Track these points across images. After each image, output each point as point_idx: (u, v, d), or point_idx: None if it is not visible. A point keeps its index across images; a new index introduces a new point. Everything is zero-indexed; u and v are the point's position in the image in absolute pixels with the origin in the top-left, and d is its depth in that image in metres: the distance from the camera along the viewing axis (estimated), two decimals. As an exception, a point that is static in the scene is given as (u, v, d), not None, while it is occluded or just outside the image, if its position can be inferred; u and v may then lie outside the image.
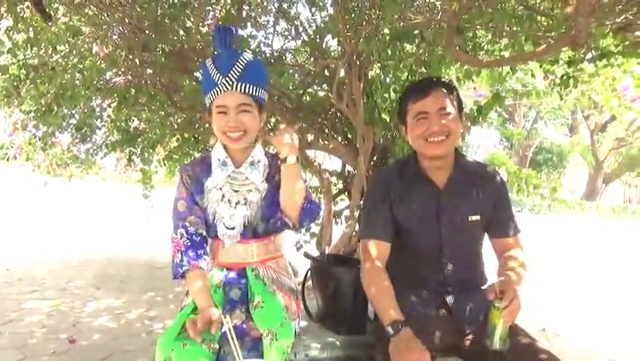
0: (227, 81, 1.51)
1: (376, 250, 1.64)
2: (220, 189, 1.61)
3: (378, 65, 3.00)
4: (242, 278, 1.62)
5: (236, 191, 1.61)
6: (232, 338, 1.35)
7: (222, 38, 1.55)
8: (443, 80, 1.78)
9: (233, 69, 1.52)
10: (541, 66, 2.90)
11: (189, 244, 1.57)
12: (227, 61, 1.54)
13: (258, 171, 1.62)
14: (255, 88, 1.55)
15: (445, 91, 1.63)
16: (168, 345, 1.40)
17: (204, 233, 1.63)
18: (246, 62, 1.54)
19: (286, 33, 3.14)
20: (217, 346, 1.44)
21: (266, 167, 1.65)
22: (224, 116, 1.54)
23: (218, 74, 1.52)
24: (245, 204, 1.60)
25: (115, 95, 3.30)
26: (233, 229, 1.61)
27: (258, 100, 1.58)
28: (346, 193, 3.33)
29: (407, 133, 1.70)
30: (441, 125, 1.58)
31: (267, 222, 1.64)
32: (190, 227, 1.60)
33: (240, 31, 2.77)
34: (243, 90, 1.52)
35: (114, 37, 2.86)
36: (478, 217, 1.67)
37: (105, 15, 2.67)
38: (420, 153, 1.69)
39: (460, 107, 1.67)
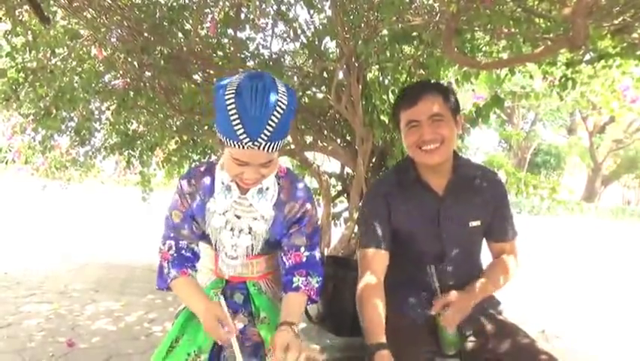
0: (254, 144, 1.25)
1: (376, 260, 1.63)
2: (223, 214, 1.46)
3: (377, 66, 3.00)
4: (243, 289, 1.59)
5: (238, 217, 1.47)
6: (236, 344, 1.33)
7: (254, 93, 1.23)
8: (436, 82, 1.74)
9: (265, 131, 1.24)
10: (540, 67, 2.91)
11: (176, 256, 1.49)
12: (257, 122, 1.24)
13: (265, 200, 1.46)
14: (281, 142, 1.31)
15: (436, 95, 1.58)
16: None
17: (196, 249, 1.54)
18: (278, 118, 1.25)
19: (285, 35, 3.14)
20: (205, 357, 1.41)
21: (274, 193, 1.48)
22: (242, 167, 1.32)
23: (246, 135, 1.23)
24: (249, 233, 1.48)
25: (114, 98, 3.31)
26: (235, 258, 1.53)
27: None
28: (345, 195, 3.33)
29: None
30: (433, 133, 1.55)
31: (269, 245, 1.55)
32: (181, 241, 1.50)
33: (239, 34, 2.78)
34: (269, 150, 1.28)
35: (113, 40, 2.86)
36: (478, 223, 1.67)
37: (104, 18, 2.67)
38: (416, 161, 1.68)
39: (455, 109, 1.63)
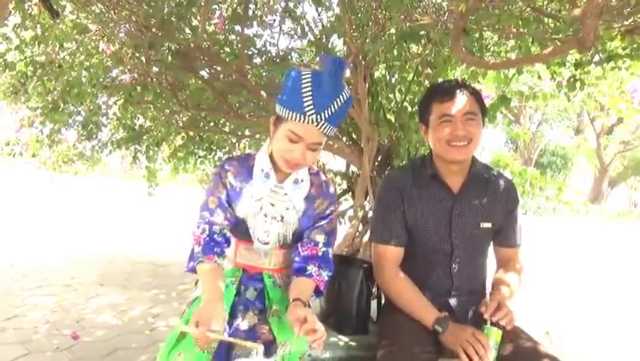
0: (316, 118, 1.39)
1: (394, 256, 1.66)
2: (259, 200, 1.55)
3: (384, 65, 2.99)
4: (258, 282, 1.61)
5: (272, 205, 1.56)
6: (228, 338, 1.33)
7: (333, 70, 1.40)
8: (468, 84, 1.75)
9: (329, 109, 1.40)
10: (548, 67, 2.89)
11: (208, 240, 1.52)
12: (326, 98, 1.40)
13: (299, 190, 1.56)
14: (333, 130, 1.46)
15: (470, 94, 1.61)
16: (164, 359, 1.37)
17: (228, 234, 1.58)
18: (341, 103, 1.42)
19: (292, 32, 3.14)
20: (214, 345, 1.41)
21: (307, 186, 1.58)
22: (293, 145, 1.42)
23: (312, 107, 1.38)
24: (281, 220, 1.56)
25: (121, 92, 3.32)
26: (267, 244, 1.59)
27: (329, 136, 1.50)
28: (350, 194, 3.33)
29: (426, 133, 1.68)
30: (465, 130, 1.57)
31: (295, 236, 1.62)
32: (215, 226, 1.54)
33: (246, 30, 2.78)
34: (325, 130, 1.43)
35: (121, 35, 2.87)
36: (489, 225, 1.67)
37: (112, 13, 2.67)
38: (438, 156, 1.67)
39: (483, 112, 1.65)
